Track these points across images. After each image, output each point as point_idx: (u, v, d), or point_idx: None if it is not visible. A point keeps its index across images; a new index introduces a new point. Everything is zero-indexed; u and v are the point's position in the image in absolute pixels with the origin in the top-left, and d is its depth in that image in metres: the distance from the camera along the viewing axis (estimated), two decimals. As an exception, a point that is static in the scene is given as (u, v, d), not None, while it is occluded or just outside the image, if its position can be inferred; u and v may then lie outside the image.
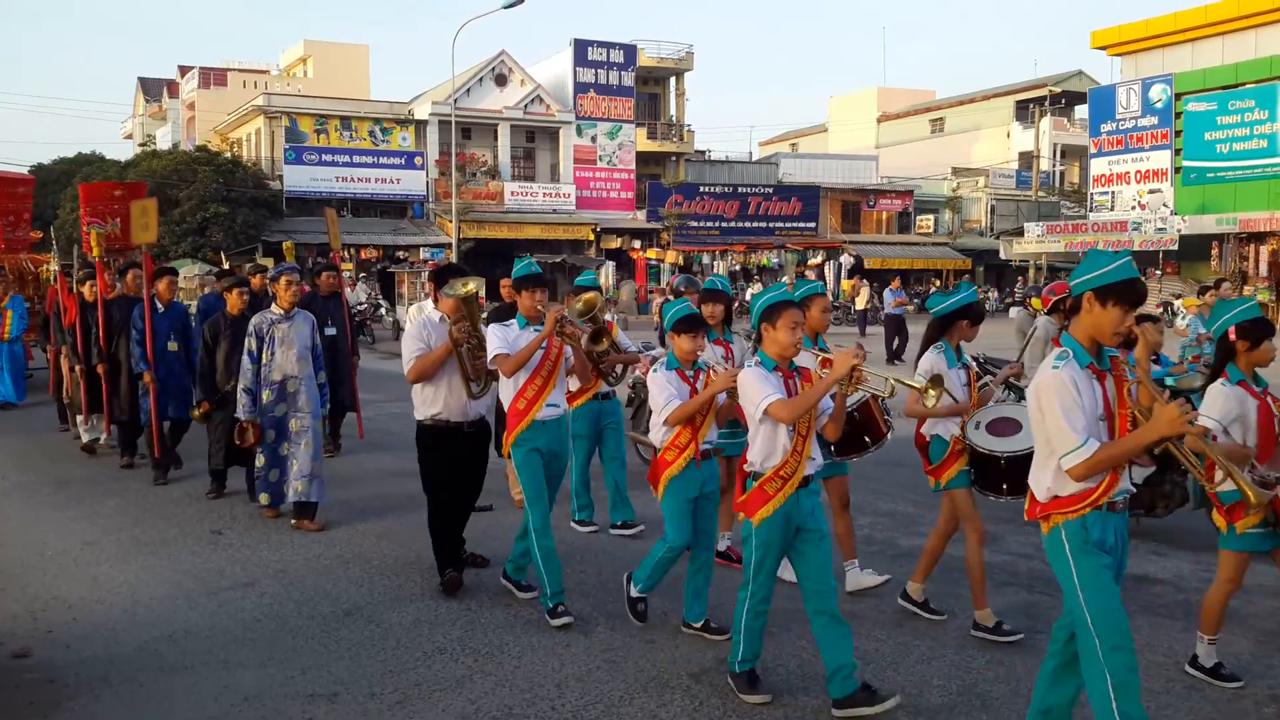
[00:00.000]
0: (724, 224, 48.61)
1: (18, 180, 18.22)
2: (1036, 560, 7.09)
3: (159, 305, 9.92)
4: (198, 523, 8.35)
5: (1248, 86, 37.77)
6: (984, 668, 5.18)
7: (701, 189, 48.54)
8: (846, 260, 47.49)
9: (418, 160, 44.15)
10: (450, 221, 40.53)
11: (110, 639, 5.73)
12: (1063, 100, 57.14)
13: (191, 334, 10.08)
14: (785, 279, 33.23)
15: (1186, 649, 5.38)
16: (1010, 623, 5.65)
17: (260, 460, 8.16)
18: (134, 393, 10.40)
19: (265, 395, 8.02)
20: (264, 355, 8.00)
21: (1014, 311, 29.54)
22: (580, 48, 46.54)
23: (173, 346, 9.94)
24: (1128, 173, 42.01)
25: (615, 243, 46.58)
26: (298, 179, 41.78)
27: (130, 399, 10.47)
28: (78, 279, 11.33)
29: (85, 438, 11.43)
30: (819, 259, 48.87)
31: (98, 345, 10.64)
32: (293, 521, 8.09)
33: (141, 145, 50.63)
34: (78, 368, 11.14)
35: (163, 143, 56.54)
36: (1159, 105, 40.57)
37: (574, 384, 7.27)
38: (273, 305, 8.13)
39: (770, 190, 49.98)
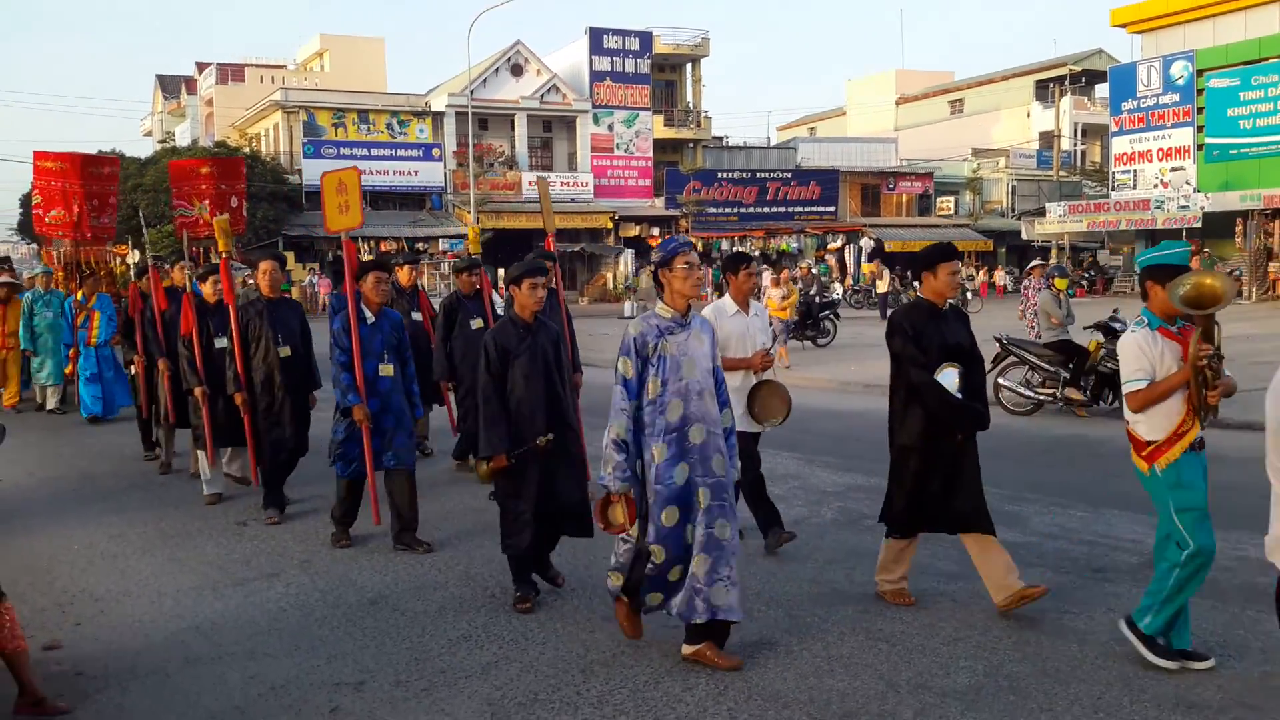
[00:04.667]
0: (742, 210, 48.51)
1: (103, 160, 16.16)
2: (1062, 540, 7.05)
3: (367, 313, 7.19)
4: (222, 514, 8.39)
5: (1270, 61, 37.27)
6: (1011, 648, 5.15)
7: (719, 175, 48.44)
8: (867, 244, 47.32)
9: (435, 152, 44.28)
10: (469, 212, 40.61)
11: (138, 631, 5.77)
12: (1083, 79, 56.66)
13: (407, 354, 7.41)
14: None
15: (1215, 627, 5.34)
16: (1036, 604, 5.60)
17: (656, 553, 4.97)
18: (296, 423, 8.10)
19: (657, 451, 4.94)
20: (650, 385, 4.96)
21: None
22: (596, 36, 46.49)
23: (386, 370, 7.17)
24: (1150, 151, 41.58)
25: (634, 231, 46.57)
26: (316, 173, 41.61)
27: (276, 429, 8.07)
28: (198, 275, 9.14)
29: (208, 490, 8.86)
30: (839, 243, 48.75)
31: (232, 368, 8.17)
32: (687, 650, 5.09)
33: (161, 142, 50.84)
34: (197, 390, 8.60)
35: (182, 139, 56.78)
36: (1180, 82, 40.12)
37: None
38: (658, 305, 5.08)
39: (789, 175, 49.82)
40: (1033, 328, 15.84)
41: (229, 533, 7.84)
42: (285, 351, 8.00)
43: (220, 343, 8.59)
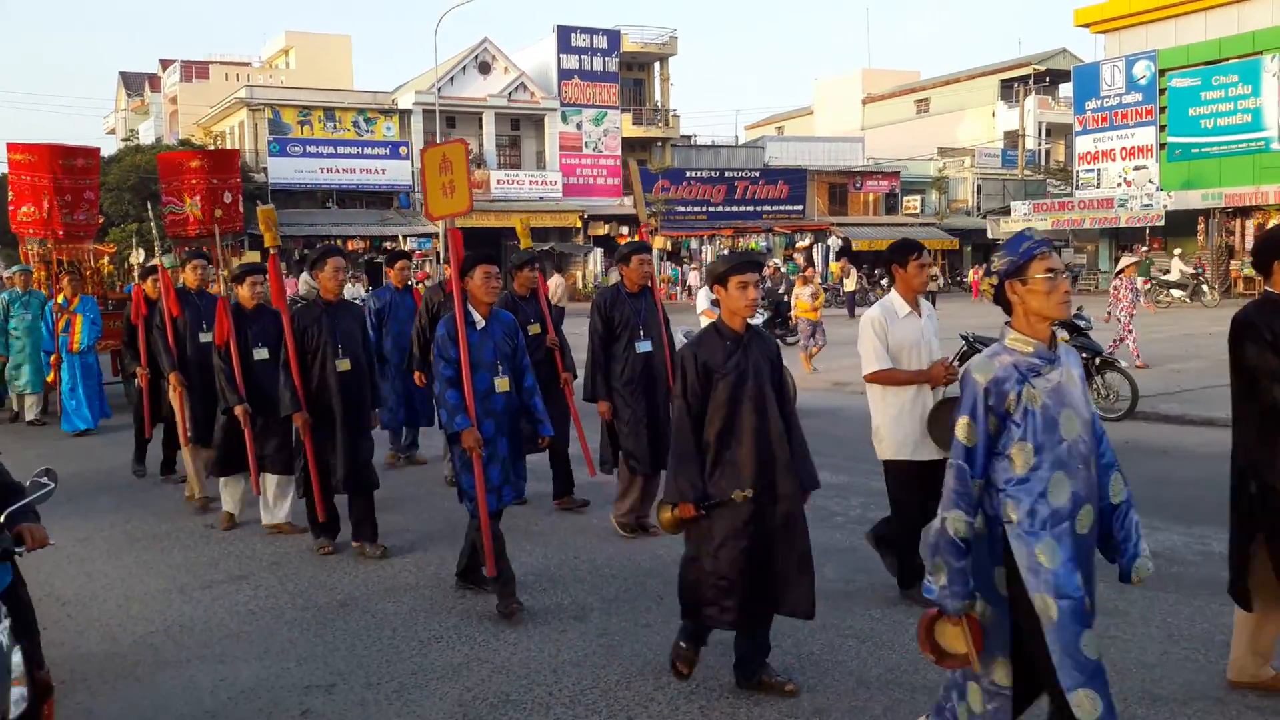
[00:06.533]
0: (711, 208, 48.59)
1: (77, 151, 14.35)
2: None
3: (475, 316, 5.96)
4: (190, 517, 8.33)
5: (1231, 62, 37.81)
6: (979, 644, 5.19)
7: (688, 174, 48.50)
8: (834, 242, 47.51)
9: (402, 150, 44.06)
10: (437, 211, 40.37)
11: (105, 635, 5.72)
12: (1047, 78, 57.13)
13: (524, 362, 6.20)
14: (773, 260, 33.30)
15: (1180, 621, 5.41)
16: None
17: (1086, 706, 3.30)
18: (352, 449, 6.96)
19: (1045, 551, 3.36)
20: (1015, 455, 3.41)
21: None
22: (563, 34, 46.44)
23: (501, 384, 5.97)
24: (1113, 150, 42.07)
25: (603, 229, 46.58)
26: (282, 171, 41.66)
27: (348, 456, 6.95)
28: (232, 274, 8.04)
29: (269, 516, 7.77)
30: (807, 241, 48.90)
31: (289, 385, 6.85)
32: None
33: (125, 140, 50.20)
34: (238, 409, 7.47)
35: (146, 137, 56.15)
36: (1143, 82, 40.59)
37: None
38: (1007, 336, 3.54)
39: (757, 174, 49.96)
40: (1129, 332, 15.85)
41: (197, 535, 7.78)
42: (344, 365, 6.94)
43: (259, 354, 7.62)
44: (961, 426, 3.44)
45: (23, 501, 3.46)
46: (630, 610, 5.82)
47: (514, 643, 5.40)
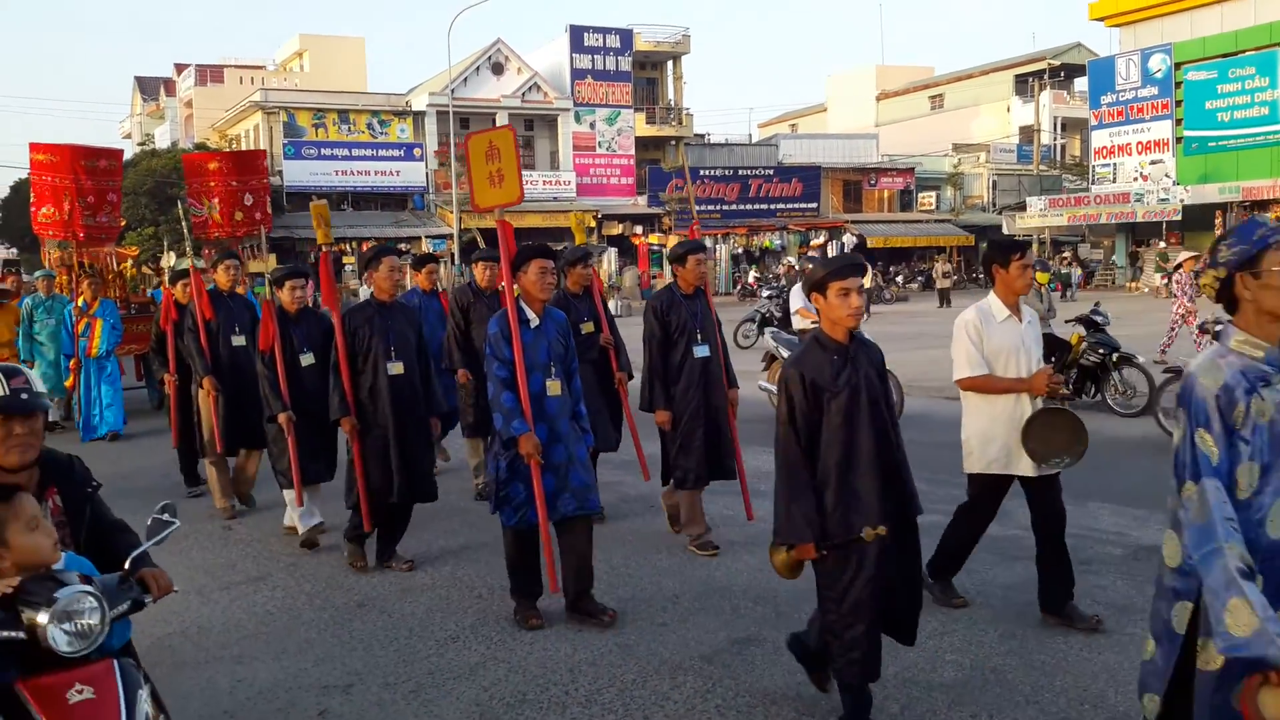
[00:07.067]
0: (725, 207, 48.53)
1: (99, 152, 13.97)
2: (1046, 534, 7.08)
3: (529, 313, 5.62)
4: (208, 518, 8.37)
5: (1247, 54, 37.54)
6: (996, 642, 5.18)
7: (702, 172, 48.45)
8: (849, 240, 47.36)
9: (417, 152, 44.18)
10: (451, 212, 40.58)
11: (124, 636, 5.75)
12: (1062, 73, 56.89)
13: (573, 365, 5.85)
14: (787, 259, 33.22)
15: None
16: (1022, 597, 5.65)
17: None
18: (405, 460, 6.65)
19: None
20: (1241, 474, 2.94)
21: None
22: (576, 34, 46.47)
23: (554, 387, 5.61)
24: (1129, 144, 41.83)
25: (617, 229, 46.57)
26: (297, 174, 41.78)
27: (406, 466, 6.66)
28: (273, 278, 7.72)
29: (300, 524, 7.44)
30: (822, 239, 48.81)
31: (338, 389, 6.60)
32: None
33: (140, 144, 50.52)
34: (282, 417, 7.27)
35: (161, 141, 56.52)
36: (1159, 75, 40.36)
37: None
38: (1232, 338, 3.06)
39: (771, 172, 49.87)
40: (1173, 330, 15.72)
41: (215, 537, 7.82)
42: (397, 369, 6.62)
43: (305, 359, 7.40)
44: (1203, 439, 2.93)
45: (146, 545, 3.22)
46: (646, 610, 5.82)
47: (530, 642, 5.41)
